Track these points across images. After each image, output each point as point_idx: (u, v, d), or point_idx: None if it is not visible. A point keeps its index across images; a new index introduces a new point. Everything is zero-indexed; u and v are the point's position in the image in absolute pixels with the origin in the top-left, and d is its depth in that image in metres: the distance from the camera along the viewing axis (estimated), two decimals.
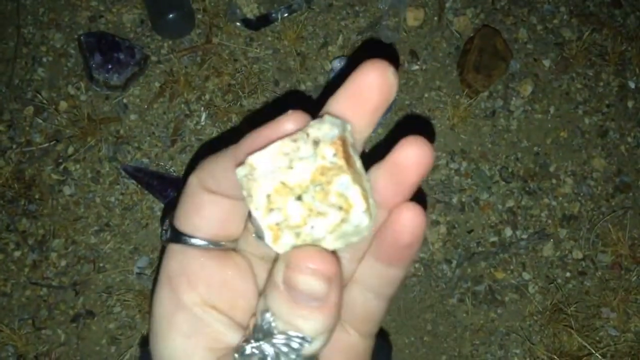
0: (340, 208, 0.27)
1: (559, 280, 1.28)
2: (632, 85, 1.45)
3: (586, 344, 1.17)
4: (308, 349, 0.28)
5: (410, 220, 0.30)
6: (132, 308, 1.18)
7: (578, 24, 1.48)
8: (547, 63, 1.44)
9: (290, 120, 0.30)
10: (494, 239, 1.30)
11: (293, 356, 0.28)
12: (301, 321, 0.28)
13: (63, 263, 1.22)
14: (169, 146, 1.30)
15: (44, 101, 1.31)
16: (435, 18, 1.45)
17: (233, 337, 0.32)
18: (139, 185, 1.25)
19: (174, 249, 0.34)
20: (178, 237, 0.34)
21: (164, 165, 1.29)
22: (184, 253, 0.34)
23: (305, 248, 0.28)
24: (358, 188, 0.27)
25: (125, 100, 1.32)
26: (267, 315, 0.29)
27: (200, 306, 0.33)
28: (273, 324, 0.29)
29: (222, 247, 0.34)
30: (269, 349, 0.29)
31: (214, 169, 0.33)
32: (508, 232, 1.31)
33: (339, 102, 0.30)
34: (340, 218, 0.27)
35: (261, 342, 0.29)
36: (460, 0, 1.47)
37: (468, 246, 1.29)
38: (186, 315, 0.32)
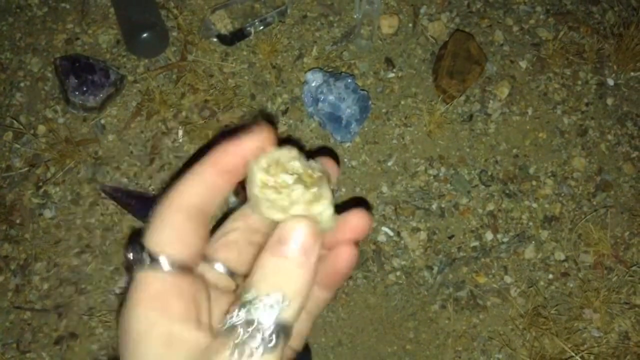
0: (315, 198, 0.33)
1: (542, 283, 1.28)
2: (610, 82, 1.44)
3: (566, 348, 1.16)
4: (285, 310, 0.31)
5: (348, 254, 0.37)
6: (114, 329, 1.18)
7: (555, 23, 1.48)
8: (523, 64, 1.43)
9: (254, 138, 0.35)
10: (475, 243, 1.30)
11: (272, 317, 0.31)
12: (283, 279, 0.32)
13: (45, 286, 1.23)
14: (147, 165, 1.31)
15: (21, 127, 1.32)
16: (410, 24, 1.45)
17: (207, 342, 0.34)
18: (119, 206, 1.26)
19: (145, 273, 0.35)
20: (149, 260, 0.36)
21: (143, 184, 1.30)
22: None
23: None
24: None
25: (102, 121, 1.34)
26: (251, 291, 0.32)
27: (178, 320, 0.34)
28: (255, 295, 0.31)
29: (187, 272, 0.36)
30: (250, 314, 0.31)
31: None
32: (489, 236, 1.30)
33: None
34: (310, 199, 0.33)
35: (243, 310, 0.31)
36: (435, 5, 1.47)
37: (449, 252, 1.29)
38: (163, 327, 0.33)
